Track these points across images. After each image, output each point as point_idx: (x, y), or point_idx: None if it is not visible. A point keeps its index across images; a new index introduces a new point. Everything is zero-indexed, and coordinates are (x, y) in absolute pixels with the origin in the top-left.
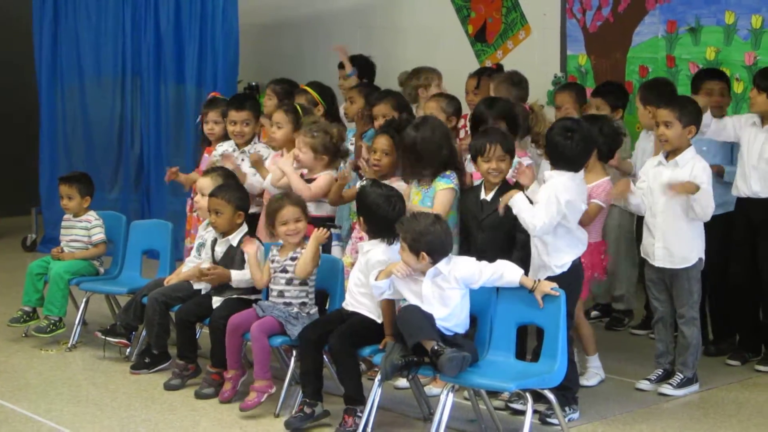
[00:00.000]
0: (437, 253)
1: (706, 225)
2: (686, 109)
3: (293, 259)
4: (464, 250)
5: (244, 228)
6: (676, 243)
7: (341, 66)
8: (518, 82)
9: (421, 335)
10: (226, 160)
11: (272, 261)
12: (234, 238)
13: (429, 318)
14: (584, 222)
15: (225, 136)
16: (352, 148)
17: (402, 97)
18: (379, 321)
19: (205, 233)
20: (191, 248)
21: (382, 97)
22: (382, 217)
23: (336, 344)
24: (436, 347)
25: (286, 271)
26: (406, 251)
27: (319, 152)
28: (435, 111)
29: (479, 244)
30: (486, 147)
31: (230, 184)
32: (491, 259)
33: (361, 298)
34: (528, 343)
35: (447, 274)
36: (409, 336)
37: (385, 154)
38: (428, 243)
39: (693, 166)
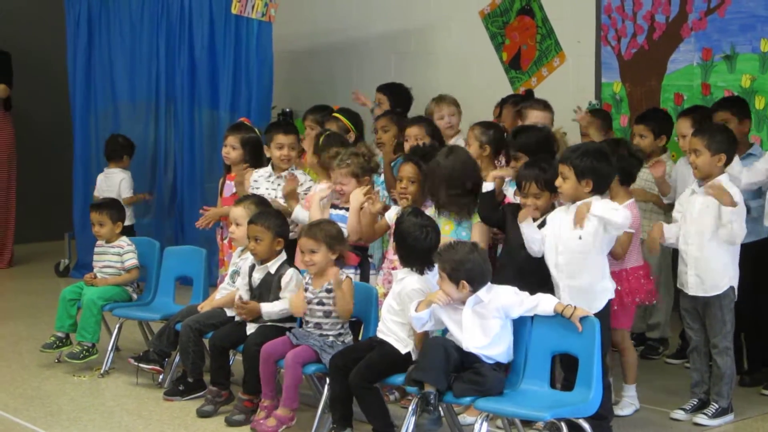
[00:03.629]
0: (477, 282)
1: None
2: (715, 137)
3: (329, 291)
4: (506, 271)
5: (283, 256)
6: (707, 270)
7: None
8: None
9: (426, 377)
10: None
11: (306, 290)
12: (272, 266)
13: (448, 359)
14: (619, 254)
15: (241, 162)
16: (382, 177)
17: (434, 124)
18: (404, 352)
19: (239, 260)
20: (225, 275)
21: (414, 121)
22: (412, 246)
23: (355, 380)
24: (429, 398)
25: (323, 304)
26: (446, 281)
27: (359, 176)
28: (470, 139)
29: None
30: (522, 183)
31: (269, 211)
32: (528, 280)
33: (391, 325)
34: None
35: (488, 302)
36: (418, 371)
37: (411, 182)
38: (468, 271)
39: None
